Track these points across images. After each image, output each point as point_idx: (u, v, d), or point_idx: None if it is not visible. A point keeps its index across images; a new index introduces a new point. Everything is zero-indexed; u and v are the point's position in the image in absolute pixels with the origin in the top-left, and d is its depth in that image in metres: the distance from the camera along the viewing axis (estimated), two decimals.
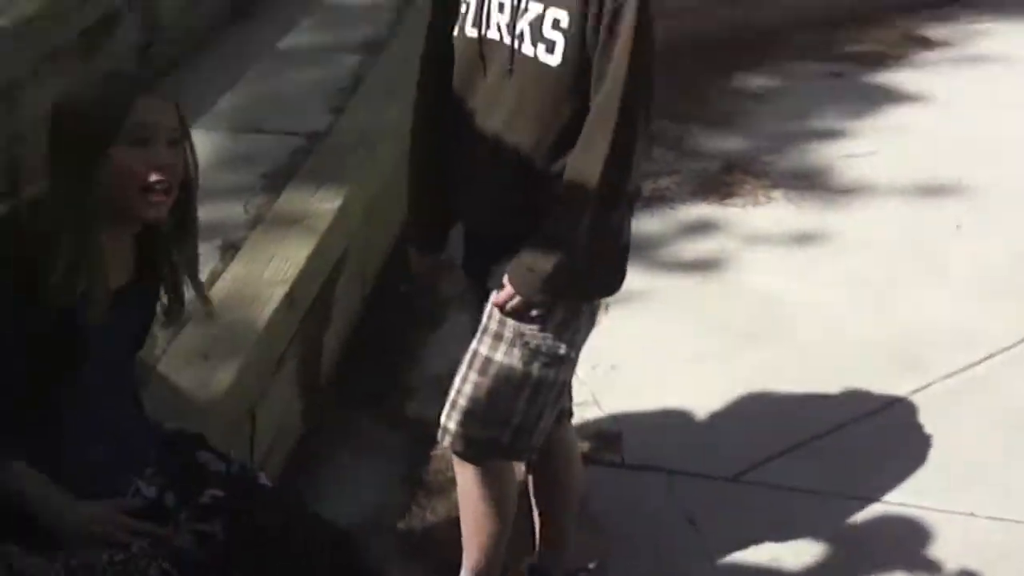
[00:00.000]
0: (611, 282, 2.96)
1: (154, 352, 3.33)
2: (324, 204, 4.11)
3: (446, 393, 4.16)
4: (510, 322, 2.84)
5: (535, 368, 2.86)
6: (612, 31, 2.63)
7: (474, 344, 2.91)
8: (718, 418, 4.12)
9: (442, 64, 2.88)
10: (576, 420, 4.02)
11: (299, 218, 4.00)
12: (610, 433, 4.03)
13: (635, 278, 4.86)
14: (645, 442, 3.98)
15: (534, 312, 2.82)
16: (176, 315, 2.61)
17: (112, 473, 2.41)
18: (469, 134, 2.83)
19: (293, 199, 4.15)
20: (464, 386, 2.90)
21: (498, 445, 2.92)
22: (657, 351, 4.48)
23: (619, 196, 2.75)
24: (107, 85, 2.38)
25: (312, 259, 3.84)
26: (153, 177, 2.30)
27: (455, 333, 4.53)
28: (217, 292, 3.61)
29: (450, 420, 2.94)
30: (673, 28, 7.22)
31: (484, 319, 2.90)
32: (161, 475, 2.46)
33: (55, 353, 2.30)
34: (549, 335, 2.85)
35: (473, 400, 2.89)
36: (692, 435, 4.04)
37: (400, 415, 4.11)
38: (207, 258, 3.80)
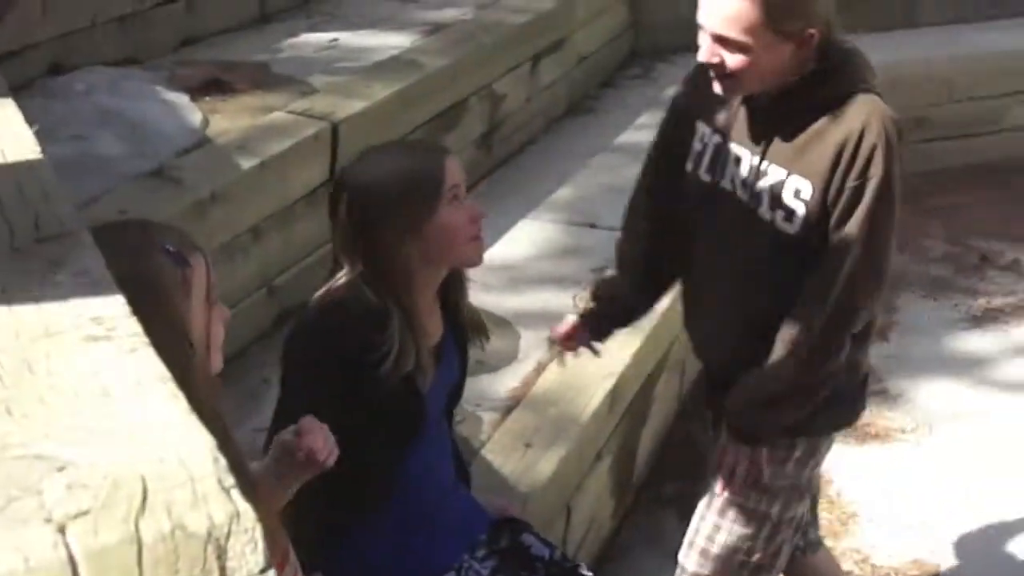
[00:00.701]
0: (846, 414, 2.87)
1: (480, 436, 3.42)
2: None
3: None
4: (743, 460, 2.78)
5: (775, 509, 2.80)
6: (851, 208, 2.50)
7: (712, 483, 2.86)
8: None
9: (659, 199, 2.88)
10: (898, 542, 3.92)
11: None
12: (928, 563, 3.88)
13: (965, 398, 4.76)
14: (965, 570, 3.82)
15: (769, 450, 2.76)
16: (485, 343, 2.69)
17: (431, 557, 2.49)
18: (700, 275, 2.80)
19: None
20: (702, 525, 2.86)
21: None
22: (989, 476, 4.30)
23: (829, 351, 2.63)
24: (417, 154, 2.53)
25: (638, 355, 3.87)
26: (478, 226, 2.44)
27: None
28: (543, 382, 3.69)
29: (688, 560, 2.88)
30: (1012, 144, 7.04)
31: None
32: (492, 555, 2.53)
33: (398, 422, 2.40)
34: (789, 471, 2.78)
35: (709, 540, 2.84)
36: (1017, 567, 3.85)
37: None
38: (533, 348, 3.89)
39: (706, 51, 2.51)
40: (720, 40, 2.47)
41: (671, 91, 6.40)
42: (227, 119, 4.28)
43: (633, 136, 5.93)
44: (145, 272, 1.68)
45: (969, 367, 5.05)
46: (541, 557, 2.60)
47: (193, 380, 1.59)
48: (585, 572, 2.64)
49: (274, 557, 1.61)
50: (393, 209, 2.35)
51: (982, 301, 5.60)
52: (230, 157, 3.90)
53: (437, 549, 2.49)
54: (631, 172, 5.39)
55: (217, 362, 1.89)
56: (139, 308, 1.51)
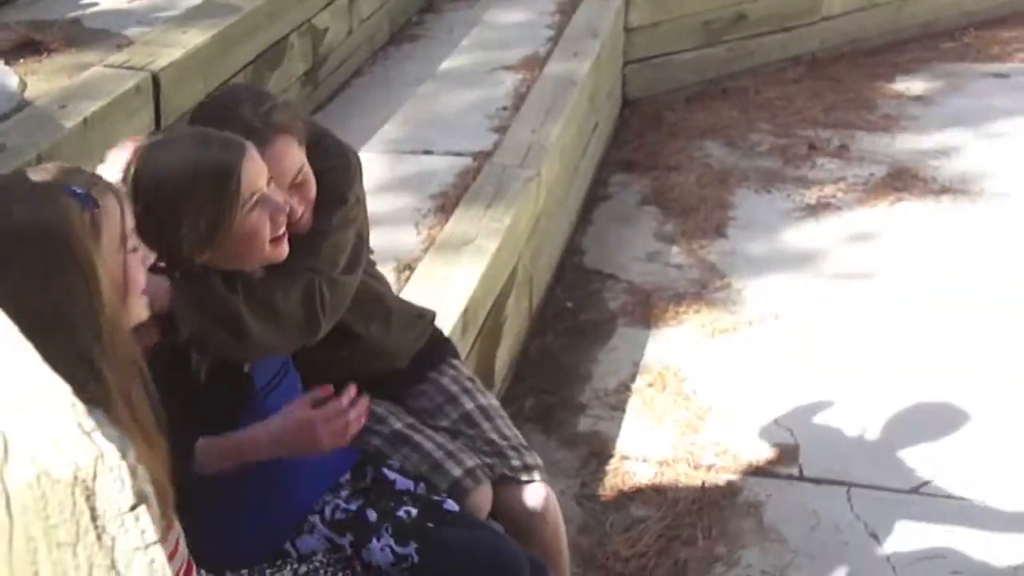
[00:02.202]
0: None
1: None
2: (493, 223, 4.19)
3: (615, 408, 4.27)
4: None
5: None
6: None
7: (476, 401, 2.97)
8: (895, 430, 4.10)
9: None
10: (755, 431, 4.06)
11: (470, 239, 4.09)
12: (788, 445, 4.03)
13: (806, 287, 4.93)
14: (823, 454, 3.98)
15: None
16: None
17: (288, 505, 2.49)
18: None
19: (463, 219, 4.24)
20: (509, 429, 2.95)
21: None
22: (831, 361, 4.46)
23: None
24: (210, 148, 2.31)
25: (484, 279, 3.92)
26: (280, 223, 2.36)
27: (622, 347, 4.61)
28: None
29: (531, 456, 2.94)
30: (829, 33, 7.23)
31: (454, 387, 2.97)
32: (357, 493, 2.55)
33: (220, 401, 2.35)
34: None
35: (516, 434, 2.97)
36: (869, 448, 4.02)
37: (572, 432, 4.17)
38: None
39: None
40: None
41: (494, 12, 6.50)
42: (45, 80, 4.19)
43: (457, 60, 5.95)
44: (49, 216, 1.64)
45: (809, 256, 5.23)
46: (406, 490, 2.61)
47: (102, 325, 1.59)
48: (450, 505, 2.62)
49: (165, 510, 1.62)
50: (180, 214, 2.22)
51: (814, 190, 5.78)
52: (52, 117, 3.82)
53: (294, 496, 2.48)
54: (461, 97, 5.51)
55: (138, 308, 1.85)
56: (43, 253, 1.51)
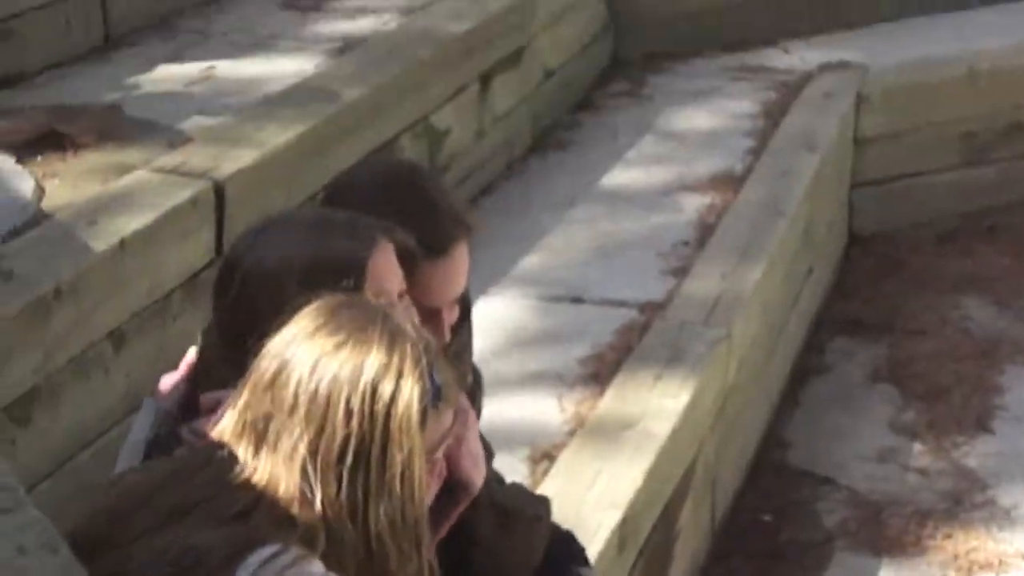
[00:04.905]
0: None
1: None
2: (665, 401, 4.20)
3: None
4: None
5: None
6: None
7: None
8: None
9: None
10: None
11: (632, 421, 4.09)
12: None
13: None
14: None
15: None
16: None
17: None
18: None
19: (623, 394, 4.25)
20: None
21: None
22: None
23: None
24: (336, 232, 2.51)
25: (650, 478, 3.91)
26: None
27: None
28: None
29: None
30: None
31: None
32: None
33: None
34: None
35: None
36: None
37: None
38: (513, 472, 3.92)
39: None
40: None
41: (673, 113, 6.58)
42: (69, 185, 4.30)
43: (623, 175, 6.01)
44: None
45: None
46: None
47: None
48: None
49: None
50: (288, 307, 2.30)
51: None
52: (77, 237, 3.92)
53: None
54: (625, 227, 5.54)
55: None
56: None
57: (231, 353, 2.38)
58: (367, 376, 2.09)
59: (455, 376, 2.26)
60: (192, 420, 2.50)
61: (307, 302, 2.23)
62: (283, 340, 2.18)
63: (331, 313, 2.21)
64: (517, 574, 2.89)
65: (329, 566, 2.05)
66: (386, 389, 2.09)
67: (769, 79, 6.83)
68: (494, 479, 2.83)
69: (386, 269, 2.44)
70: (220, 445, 2.18)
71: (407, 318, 2.39)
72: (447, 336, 2.70)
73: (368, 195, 2.68)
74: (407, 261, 2.50)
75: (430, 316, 2.60)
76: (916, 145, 6.79)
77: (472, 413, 2.56)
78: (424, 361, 2.14)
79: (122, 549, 2.08)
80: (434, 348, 2.23)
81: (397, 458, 2.09)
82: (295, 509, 2.08)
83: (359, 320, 2.19)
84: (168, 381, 2.72)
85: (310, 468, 2.08)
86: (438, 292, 2.63)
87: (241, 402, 2.18)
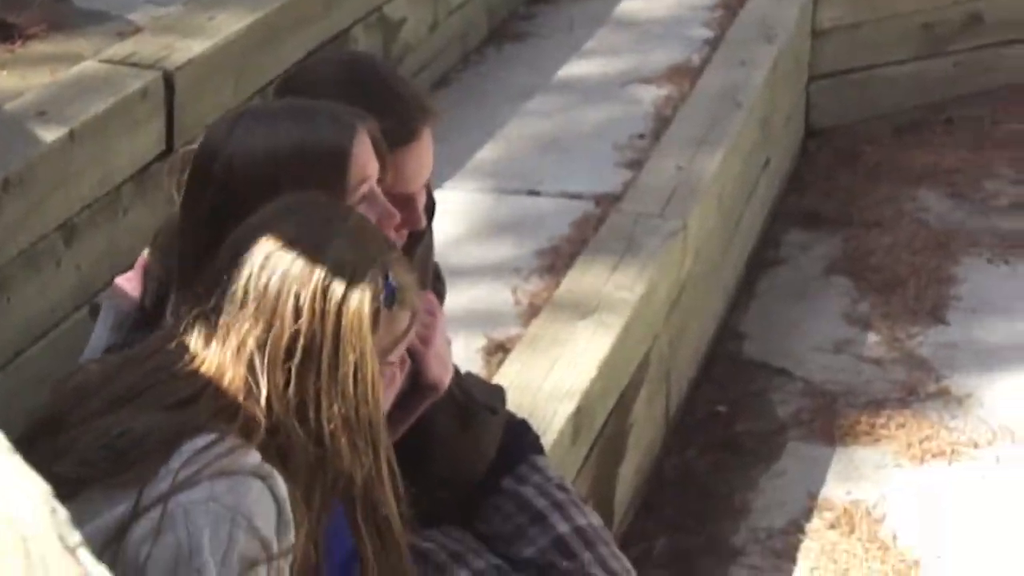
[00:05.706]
0: None
1: None
2: (620, 292, 4.21)
3: (781, 556, 4.24)
4: None
5: None
6: None
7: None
8: None
9: None
10: None
11: (587, 312, 4.10)
12: None
13: None
14: None
15: None
16: None
17: None
18: None
19: (578, 285, 4.26)
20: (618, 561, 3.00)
21: None
22: None
23: None
24: (318, 122, 2.54)
25: (605, 368, 3.93)
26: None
27: (794, 471, 4.59)
28: None
29: None
30: None
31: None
32: None
33: None
34: None
35: None
36: None
37: None
38: (468, 362, 3.94)
39: None
40: None
41: (630, 2, 6.56)
42: (18, 76, 4.29)
43: (579, 67, 6.00)
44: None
45: None
46: None
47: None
48: None
49: None
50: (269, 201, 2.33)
51: None
52: (26, 128, 3.90)
53: None
54: (581, 119, 5.55)
55: None
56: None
57: (209, 245, 2.37)
58: (319, 274, 2.11)
59: (414, 280, 2.26)
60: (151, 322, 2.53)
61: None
62: (240, 233, 2.20)
63: (291, 210, 2.23)
64: (473, 466, 2.93)
65: (269, 460, 2.07)
66: (337, 288, 2.10)
67: None
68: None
69: (367, 157, 2.47)
70: (172, 336, 2.20)
71: (372, 216, 2.44)
72: (423, 220, 2.75)
73: (331, 89, 2.69)
74: (378, 150, 2.51)
75: (404, 202, 2.61)
76: (874, 37, 6.78)
77: (442, 314, 2.61)
78: (379, 261, 2.16)
79: (69, 433, 2.10)
80: (394, 250, 2.26)
81: (350, 358, 2.11)
82: (239, 401, 2.09)
83: (319, 218, 2.22)
84: (124, 283, 2.71)
85: (257, 362, 2.10)
86: (412, 177, 2.67)
87: (194, 293, 2.19)
